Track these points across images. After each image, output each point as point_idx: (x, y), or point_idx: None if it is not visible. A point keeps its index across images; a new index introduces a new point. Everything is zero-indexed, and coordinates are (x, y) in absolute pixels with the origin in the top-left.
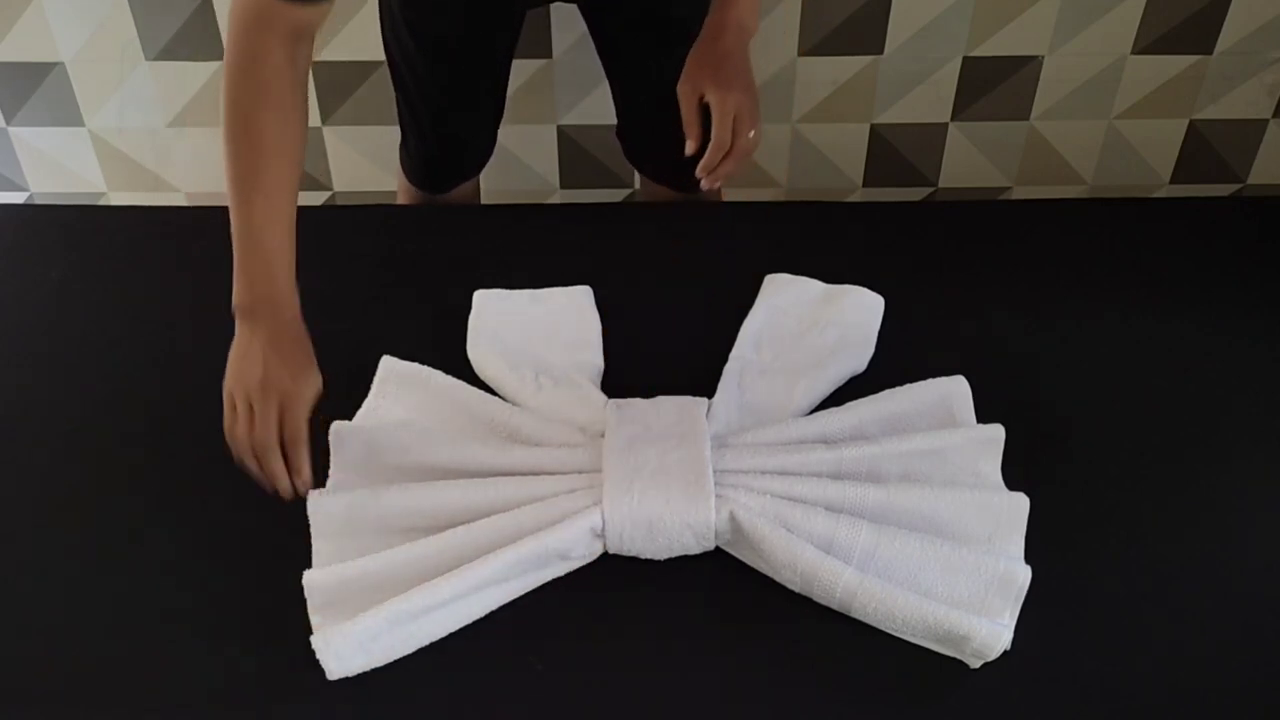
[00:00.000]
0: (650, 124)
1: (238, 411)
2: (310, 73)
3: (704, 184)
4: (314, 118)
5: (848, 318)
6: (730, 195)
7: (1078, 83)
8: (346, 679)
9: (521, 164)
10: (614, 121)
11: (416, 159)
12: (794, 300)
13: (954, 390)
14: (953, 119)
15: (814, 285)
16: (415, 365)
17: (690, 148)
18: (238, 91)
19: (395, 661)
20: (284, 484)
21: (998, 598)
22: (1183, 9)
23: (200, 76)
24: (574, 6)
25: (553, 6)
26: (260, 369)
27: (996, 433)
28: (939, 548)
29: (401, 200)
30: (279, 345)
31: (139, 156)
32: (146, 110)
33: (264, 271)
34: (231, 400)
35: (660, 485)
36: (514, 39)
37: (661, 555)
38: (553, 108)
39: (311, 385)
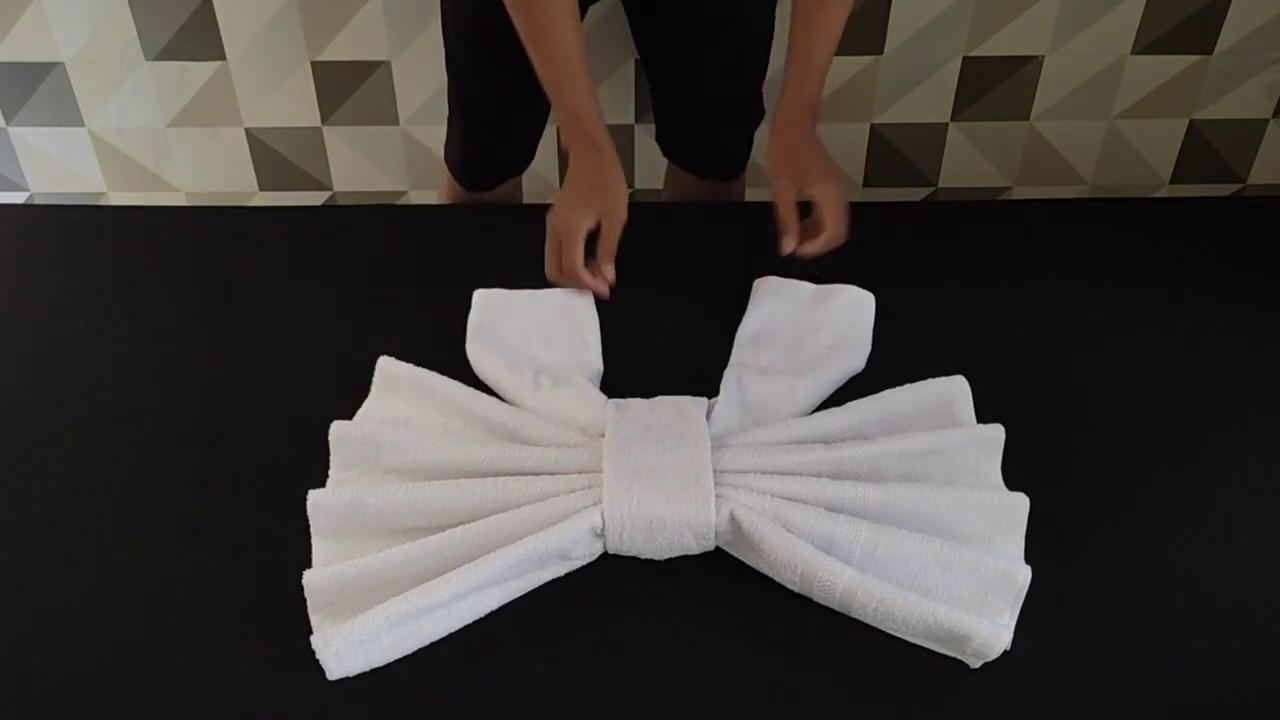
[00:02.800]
0: (689, 113)
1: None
2: None
3: (788, 249)
4: (314, 118)
5: (843, 317)
6: None
7: (1078, 83)
8: (346, 679)
9: None
10: (612, 121)
11: (463, 153)
12: (786, 303)
13: (954, 390)
14: (953, 119)
15: (803, 287)
16: (414, 366)
17: (790, 245)
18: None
19: (395, 661)
20: (595, 287)
21: (998, 598)
22: (1183, 9)
23: (200, 76)
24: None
25: None
26: (572, 191)
27: (996, 433)
28: (939, 548)
29: (442, 200)
30: (593, 175)
31: (139, 156)
32: (146, 110)
33: (570, 121)
34: (552, 227)
35: (660, 485)
36: None
37: (661, 555)
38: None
39: (614, 213)
